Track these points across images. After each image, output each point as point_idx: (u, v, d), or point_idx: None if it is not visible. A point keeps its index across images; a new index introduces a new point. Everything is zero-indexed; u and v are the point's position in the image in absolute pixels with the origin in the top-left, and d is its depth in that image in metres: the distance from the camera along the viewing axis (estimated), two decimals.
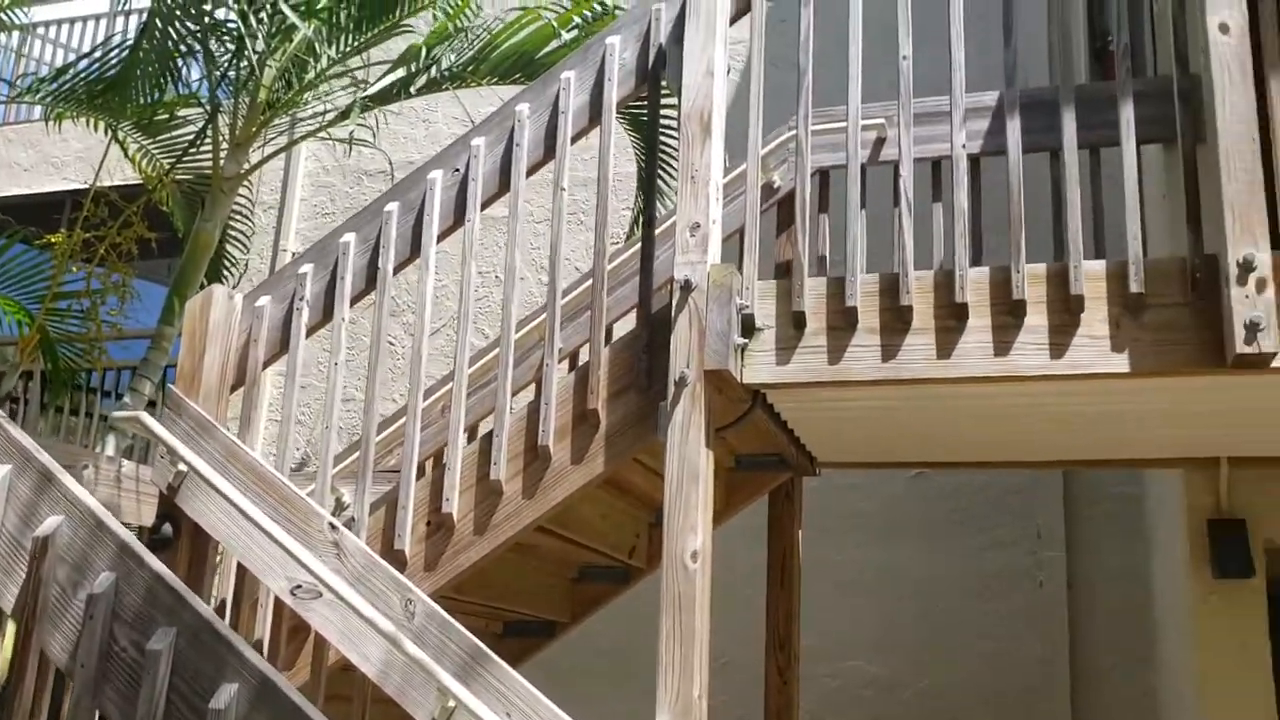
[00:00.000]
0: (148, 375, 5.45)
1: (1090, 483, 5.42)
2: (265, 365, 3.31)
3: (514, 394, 3.69)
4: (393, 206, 3.25)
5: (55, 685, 2.62)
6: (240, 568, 3.08)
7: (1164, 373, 2.60)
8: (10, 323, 6.40)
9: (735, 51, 4.94)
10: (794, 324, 2.85)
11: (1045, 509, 5.44)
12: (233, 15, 5.41)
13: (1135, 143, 2.74)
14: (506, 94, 3.42)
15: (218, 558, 3.20)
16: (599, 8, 5.24)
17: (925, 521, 5.55)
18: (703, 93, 2.98)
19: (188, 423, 3.09)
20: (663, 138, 4.66)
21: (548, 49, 5.28)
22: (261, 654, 2.94)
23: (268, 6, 5.33)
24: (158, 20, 5.49)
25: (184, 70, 5.84)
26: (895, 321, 2.77)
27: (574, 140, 3.20)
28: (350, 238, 3.27)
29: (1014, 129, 2.80)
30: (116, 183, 6.93)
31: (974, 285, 2.73)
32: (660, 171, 4.89)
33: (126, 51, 5.64)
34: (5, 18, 6.08)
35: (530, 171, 3.23)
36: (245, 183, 6.04)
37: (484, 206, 3.23)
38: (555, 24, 5.20)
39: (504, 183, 3.20)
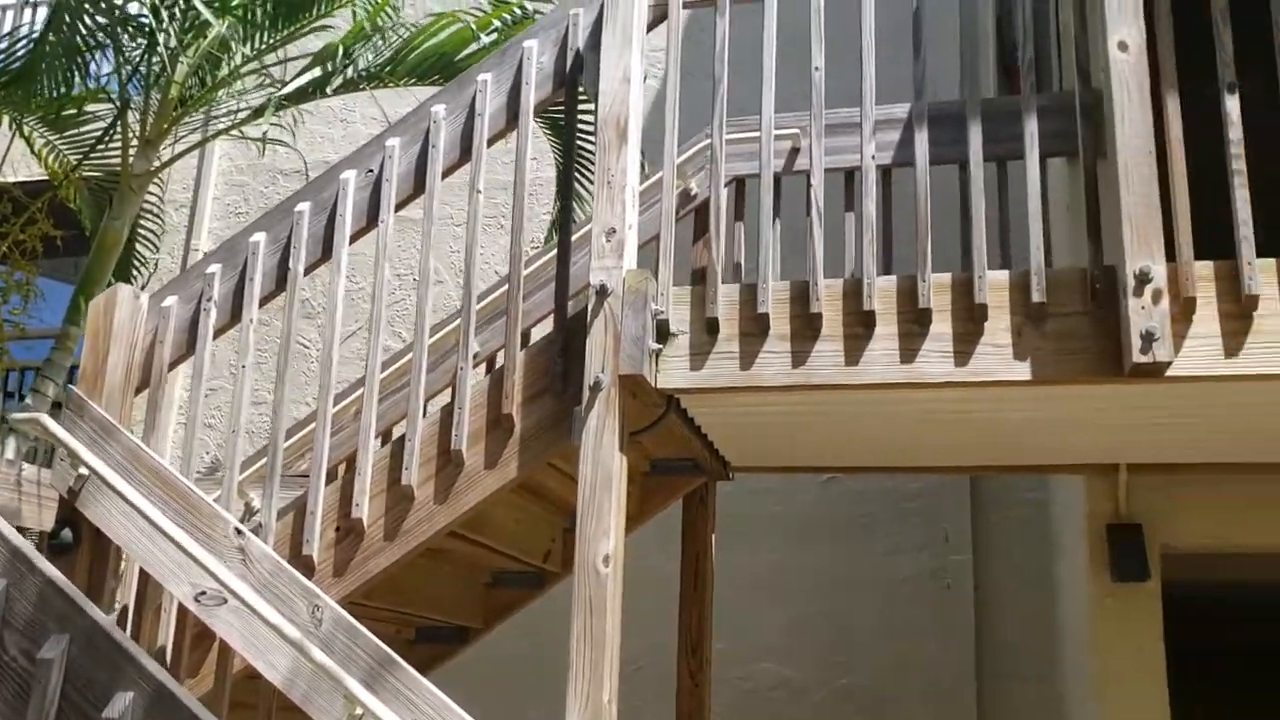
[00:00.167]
0: (51, 376, 5.30)
1: (998, 488, 5.54)
2: (171, 367, 3.25)
3: (430, 398, 3.68)
4: (304, 206, 3.21)
5: None
6: (143, 574, 3.01)
7: (1064, 381, 2.67)
8: None
9: (655, 59, 4.96)
10: (708, 330, 2.87)
11: (953, 513, 5.54)
12: (144, 9, 5.30)
13: (1039, 156, 2.81)
14: (425, 95, 3.39)
15: (121, 564, 3.13)
16: (519, 12, 5.23)
17: (836, 525, 5.62)
18: (619, 99, 3.00)
19: (90, 425, 3.02)
20: (581, 143, 4.68)
21: (467, 52, 5.26)
22: (164, 662, 2.88)
23: (180, 1, 5.23)
24: (65, 13, 5.35)
25: (94, 64, 5.70)
26: (805, 328, 2.81)
27: (491, 143, 3.19)
28: (260, 237, 3.22)
29: (922, 141, 2.86)
30: (21, 178, 6.74)
31: (881, 294, 2.78)
32: (578, 177, 4.90)
33: (32, 44, 5.49)
34: None
35: (446, 173, 3.21)
36: (156, 180, 5.91)
37: (399, 208, 3.21)
38: (474, 27, 5.18)
39: (419, 184, 3.18)
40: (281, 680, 2.56)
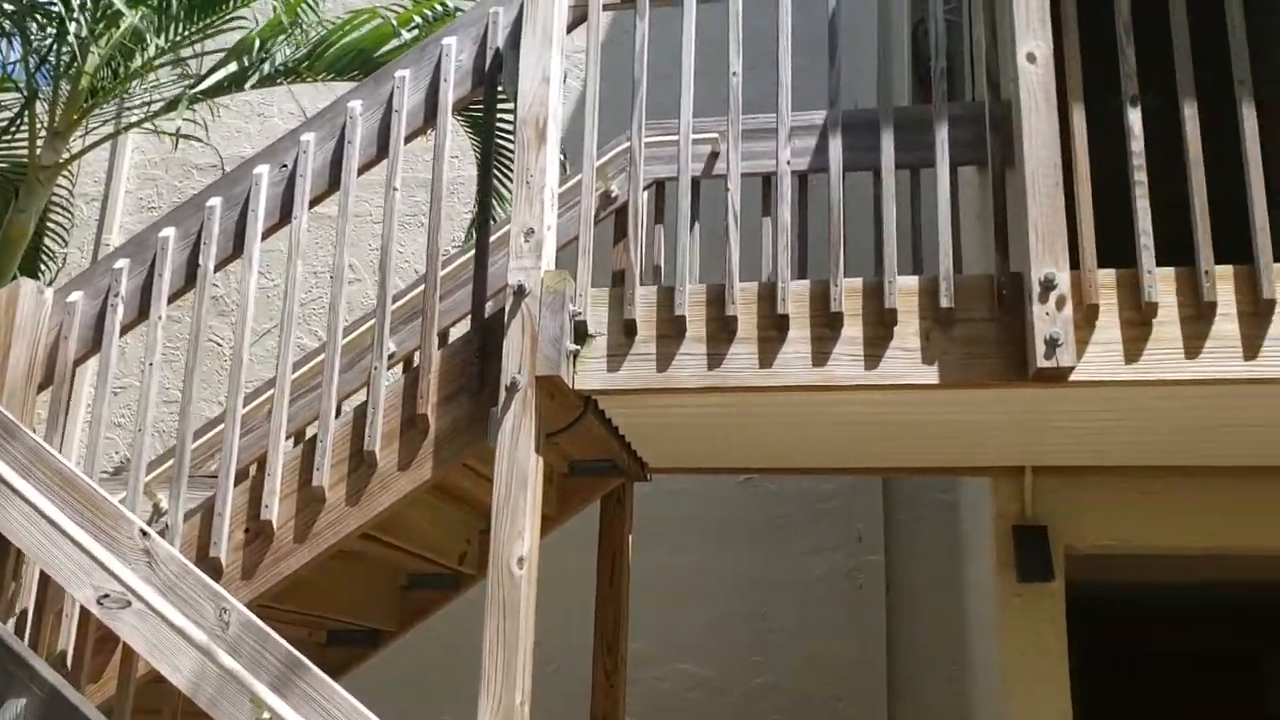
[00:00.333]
0: None
1: (909, 489, 5.63)
2: (77, 364, 3.17)
3: (346, 398, 3.64)
4: (215, 201, 3.16)
5: None
6: (44, 577, 2.93)
7: (970, 384, 2.72)
8: None
9: (577, 59, 4.96)
10: (625, 332, 2.88)
11: (865, 514, 5.62)
12: None
13: (950, 164, 2.86)
14: (344, 91, 3.35)
15: (21, 566, 3.04)
16: (439, 8, 5.19)
17: (753, 526, 5.67)
18: (539, 99, 2.99)
19: None
20: (501, 142, 4.66)
21: (387, 48, 5.20)
22: (65, 667, 2.81)
23: None
24: None
25: None
26: (721, 331, 2.83)
27: (409, 140, 3.16)
28: (170, 232, 3.16)
29: (836, 147, 2.90)
30: None
31: (795, 297, 2.81)
32: (498, 176, 4.87)
33: None
34: None
35: (363, 170, 3.18)
36: (65, 173, 5.76)
37: (313, 204, 3.17)
38: (395, 23, 5.13)
39: (335, 180, 3.15)
40: (187, 685, 2.50)
